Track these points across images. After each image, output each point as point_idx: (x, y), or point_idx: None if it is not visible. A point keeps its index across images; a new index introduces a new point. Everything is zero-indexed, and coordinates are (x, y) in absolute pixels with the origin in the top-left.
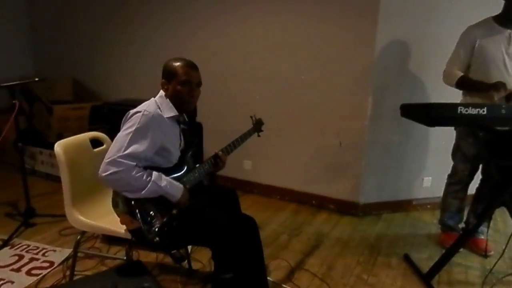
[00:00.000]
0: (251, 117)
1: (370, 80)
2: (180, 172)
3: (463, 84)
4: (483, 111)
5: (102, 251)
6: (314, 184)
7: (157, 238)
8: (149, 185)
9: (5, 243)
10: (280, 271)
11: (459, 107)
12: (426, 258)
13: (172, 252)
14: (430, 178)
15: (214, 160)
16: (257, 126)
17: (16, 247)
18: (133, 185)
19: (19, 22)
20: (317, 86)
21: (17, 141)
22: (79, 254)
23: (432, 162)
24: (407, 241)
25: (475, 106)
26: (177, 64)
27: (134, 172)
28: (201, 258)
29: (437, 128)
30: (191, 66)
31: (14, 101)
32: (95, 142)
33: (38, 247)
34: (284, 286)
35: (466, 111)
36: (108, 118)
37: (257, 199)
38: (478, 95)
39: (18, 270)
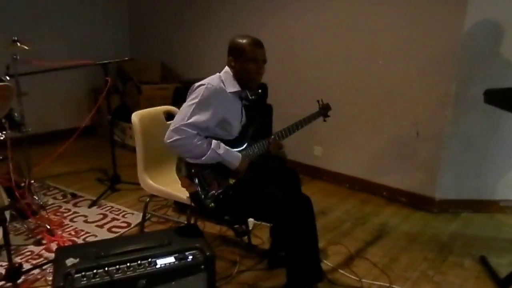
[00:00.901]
0: (318, 101)
1: (455, 65)
2: (241, 146)
3: None
4: None
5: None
6: (386, 175)
7: (212, 204)
8: (208, 152)
9: (94, 203)
10: (338, 257)
11: None
12: (507, 264)
13: (235, 226)
14: None
15: (267, 143)
16: (323, 110)
17: (102, 207)
18: (194, 151)
19: (119, 10)
20: (395, 72)
21: (108, 115)
22: (152, 219)
23: None
24: (486, 243)
25: None
26: (244, 41)
27: (196, 140)
28: (262, 235)
29: None
30: (257, 44)
31: (106, 78)
32: (170, 116)
33: (119, 209)
34: (341, 271)
35: None
36: (185, 95)
37: (326, 186)
38: None
39: (101, 226)
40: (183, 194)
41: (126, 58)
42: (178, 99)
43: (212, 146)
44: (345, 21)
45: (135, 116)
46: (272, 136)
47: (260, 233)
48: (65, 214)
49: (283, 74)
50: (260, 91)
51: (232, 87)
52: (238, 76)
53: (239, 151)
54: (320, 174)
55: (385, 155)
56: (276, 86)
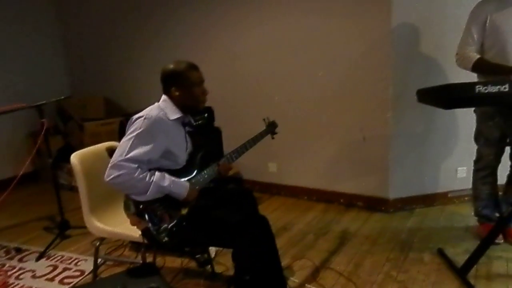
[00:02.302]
0: (264, 119)
1: (389, 70)
2: (190, 174)
3: (480, 67)
4: (505, 87)
5: (130, 258)
6: (342, 182)
7: (166, 238)
8: (151, 186)
9: (42, 255)
10: (304, 271)
11: (476, 86)
12: (462, 252)
13: (196, 256)
14: (464, 168)
15: (220, 165)
16: (270, 128)
17: (51, 258)
18: (137, 187)
19: (55, 48)
20: (336, 82)
21: (48, 158)
22: (108, 262)
23: (464, 151)
24: (442, 235)
25: (495, 83)
26: (182, 67)
27: (137, 174)
28: (225, 261)
29: (465, 114)
30: (195, 67)
31: (42, 120)
32: (113, 153)
33: (71, 258)
34: (308, 286)
35: (485, 89)
36: None
37: (285, 201)
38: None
39: (52, 279)
40: (135, 232)
41: (63, 97)
42: (124, 133)
43: (155, 179)
44: (283, 36)
45: (74, 157)
46: (221, 160)
47: (223, 259)
48: (10, 273)
49: (228, 95)
50: (206, 115)
51: (174, 114)
52: (182, 103)
53: (188, 180)
54: (277, 190)
55: (338, 162)
56: (222, 108)
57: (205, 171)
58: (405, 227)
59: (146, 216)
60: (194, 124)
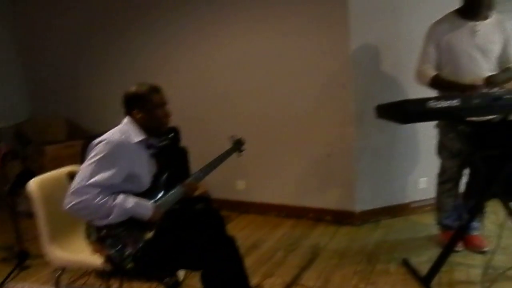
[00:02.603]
0: (230, 137)
1: (350, 86)
2: (155, 197)
3: (437, 84)
4: (456, 102)
5: (95, 287)
6: (310, 197)
7: (131, 264)
8: (115, 210)
9: None
10: None
11: (430, 101)
12: (426, 261)
13: (165, 280)
14: (425, 178)
15: (186, 186)
16: (237, 146)
17: None
18: (98, 212)
19: (12, 67)
20: (300, 99)
21: (6, 185)
22: None
23: (425, 162)
24: (406, 245)
25: (446, 98)
26: (144, 89)
27: (98, 200)
28: (195, 284)
29: (425, 127)
30: (157, 89)
31: None
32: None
33: None
34: None
35: (437, 104)
36: None
37: (254, 219)
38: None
39: None
40: (98, 260)
41: (22, 120)
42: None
43: (117, 202)
44: (250, 54)
45: (33, 184)
46: (187, 180)
47: (193, 281)
48: None
49: (196, 113)
50: (172, 135)
51: (137, 136)
52: (145, 125)
53: (152, 202)
54: (246, 208)
55: (306, 178)
56: (189, 127)
57: (171, 193)
58: (371, 239)
59: (109, 242)
60: (158, 145)
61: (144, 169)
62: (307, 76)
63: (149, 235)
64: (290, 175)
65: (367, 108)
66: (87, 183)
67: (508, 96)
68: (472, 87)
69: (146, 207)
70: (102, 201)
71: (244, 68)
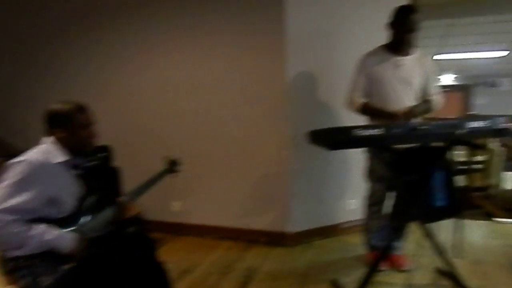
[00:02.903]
0: (165, 158)
1: (286, 110)
2: (78, 222)
3: (364, 110)
4: (380, 131)
5: None
6: (245, 218)
7: None
8: (31, 241)
9: None
10: None
11: (356, 129)
12: (354, 281)
13: None
14: (354, 200)
15: (117, 208)
16: (172, 167)
17: None
18: (13, 241)
19: None
20: (238, 120)
21: None
22: None
23: (354, 184)
24: (336, 266)
25: (371, 127)
26: (69, 108)
27: (13, 227)
28: None
29: (356, 152)
30: (83, 108)
31: None
32: None
33: None
34: None
35: (364, 132)
36: None
37: (189, 241)
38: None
39: None
40: None
41: None
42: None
43: (35, 232)
44: (187, 74)
45: None
46: (117, 203)
47: None
48: None
49: (130, 132)
50: (101, 154)
51: (59, 157)
52: (69, 145)
53: (75, 228)
54: (181, 229)
55: (242, 199)
56: (123, 146)
57: (98, 217)
58: (304, 261)
59: (24, 274)
60: (86, 165)
61: (68, 192)
62: (245, 100)
63: (69, 265)
64: (226, 197)
65: (302, 132)
66: (1, 208)
67: (424, 127)
68: (394, 115)
69: (68, 239)
70: (18, 229)
71: (183, 88)
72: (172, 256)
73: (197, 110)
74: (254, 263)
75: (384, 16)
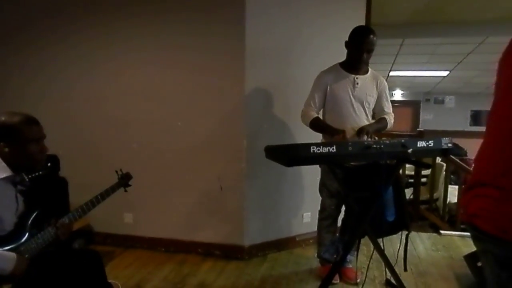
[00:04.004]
0: (116, 171)
1: (243, 123)
2: (19, 240)
3: (315, 125)
4: (333, 149)
5: None
6: (200, 231)
7: None
8: None
9: None
10: None
11: (311, 147)
12: None
13: None
14: (309, 213)
15: (59, 227)
16: (123, 180)
17: None
18: None
19: None
20: (194, 132)
21: None
22: None
23: (309, 198)
24: (290, 279)
25: (325, 145)
26: (16, 120)
27: None
28: None
29: (311, 166)
30: (33, 121)
31: None
32: None
33: None
34: None
35: (318, 150)
36: None
37: (141, 254)
38: (330, 137)
39: None
40: None
41: None
42: None
43: None
44: (145, 85)
45: None
46: (60, 221)
47: None
48: None
49: (79, 141)
50: (48, 164)
51: (2, 172)
52: (14, 161)
53: (16, 246)
54: (133, 242)
55: (197, 212)
56: (72, 155)
57: (39, 235)
58: (258, 274)
59: None
60: (29, 179)
61: (8, 208)
62: (202, 112)
63: (9, 286)
64: (181, 209)
65: (258, 146)
66: None
67: (376, 146)
68: (340, 132)
69: (8, 259)
70: None
71: (136, 98)
72: (122, 270)
73: (150, 120)
74: (209, 277)
75: (339, 32)
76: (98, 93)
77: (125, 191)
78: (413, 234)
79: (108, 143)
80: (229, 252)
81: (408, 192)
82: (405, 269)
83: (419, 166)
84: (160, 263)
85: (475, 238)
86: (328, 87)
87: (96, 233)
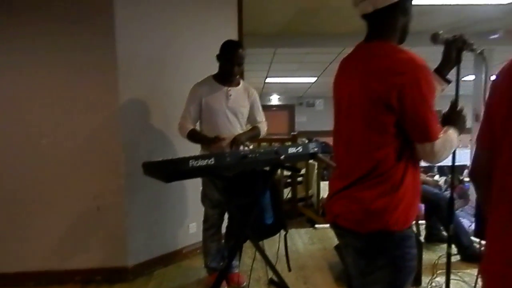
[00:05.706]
0: None
1: (120, 136)
2: None
3: (192, 137)
4: (211, 161)
5: None
6: (76, 257)
7: None
8: None
9: None
10: None
11: (190, 161)
12: None
13: None
14: (194, 223)
15: None
16: None
17: None
18: None
19: None
20: (65, 150)
21: None
22: None
23: (194, 208)
24: None
25: (203, 157)
26: None
27: None
28: None
29: None
30: None
31: None
32: None
33: None
34: None
35: (197, 163)
36: None
37: None
38: (208, 146)
39: None
40: None
41: None
42: None
43: None
44: (4, 109)
45: None
46: None
47: None
48: None
49: None
50: None
51: None
52: None
53: None
54: None
55: (71, 236)
56: None
57: None
58: None
59: None
60: None
61: None
62: (71, 128)
63: None
64: (53, 235)
65: (137, 159)
66: None
67: (252, 155)
68: (216, 141)
69: None
70: None
71: None
72: None
73: (13, 137)
74: None
75: (212, 41)
76: None
77: None
78: (292, 231)
79: None
80: (112, 276)
81: (287, 192)
82: (289, 269)
83: (291, 170)
84: None
85: (338, 235)
86: (203, 99)
87: None
